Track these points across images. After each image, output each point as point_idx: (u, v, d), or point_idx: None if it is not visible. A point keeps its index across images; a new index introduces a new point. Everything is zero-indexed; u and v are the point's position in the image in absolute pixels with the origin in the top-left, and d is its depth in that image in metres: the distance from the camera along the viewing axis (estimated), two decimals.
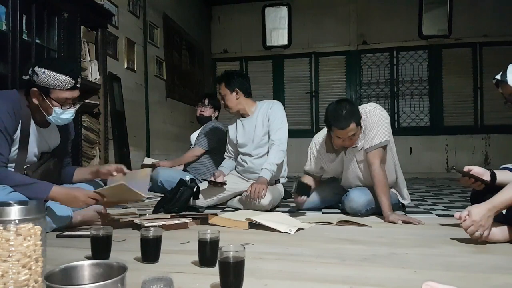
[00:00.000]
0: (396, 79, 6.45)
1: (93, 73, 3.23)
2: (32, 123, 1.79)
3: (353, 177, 2.41)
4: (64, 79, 1.68)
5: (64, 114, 1.76)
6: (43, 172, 1.81)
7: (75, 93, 1.76)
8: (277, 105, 2.78)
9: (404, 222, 2.01)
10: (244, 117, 2.83)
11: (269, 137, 2.71)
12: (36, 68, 1.66)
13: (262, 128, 2.75)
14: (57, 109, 1.73)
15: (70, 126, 2.00)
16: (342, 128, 2.15)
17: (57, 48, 2.70)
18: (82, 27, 3.03)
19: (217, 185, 2.66)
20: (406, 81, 6.42)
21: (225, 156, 3.01)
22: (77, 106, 1.81)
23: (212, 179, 2.68)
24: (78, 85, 1.76)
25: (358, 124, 2.22)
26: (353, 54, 6.54)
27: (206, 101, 3.53)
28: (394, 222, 2.02)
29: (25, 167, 1.78)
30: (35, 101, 1.71)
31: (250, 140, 2.78)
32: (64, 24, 2.74)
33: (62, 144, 1.98)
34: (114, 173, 1.89)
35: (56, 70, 1.66)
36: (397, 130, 6.10)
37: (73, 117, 1.82)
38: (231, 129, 2.93)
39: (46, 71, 1.65)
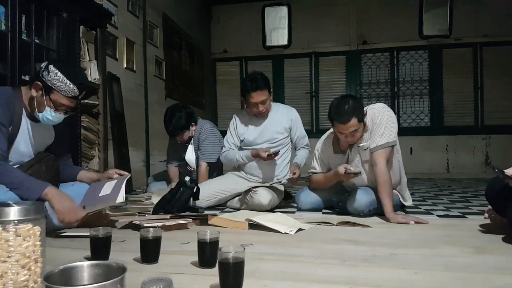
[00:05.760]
0: (396, 79, 6.44)
1: (93, 73, 3.22)
2: (27, 119, 1.80)
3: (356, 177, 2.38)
4: (70, 88, 1.73)
5: (52, 117, 1.77)
6: (33, 174, 1.77)
7: (73, 103, 1.79)
8: (296, 112, 2.93)
9: (415, 222, 1.99)
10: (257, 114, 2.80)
11: (291, 140, 2.88)
12: (51, 67, 1.70)
13: (278, 127, 2.80)
14: (49, 110, 1.75)
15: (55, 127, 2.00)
16: (343, 122, 2.15)
17: (56, 48, 2.69)
18: (81, 27, 3.02)
19: (271, 157, 2.64)
20: (407, 81, 6.42)
21: (227, 148, 2.89)
22: (68, 114, 1.83)
23: (264, 155, 2.63)
24: (80, 97, 1.80)
25: (361, 121, 2.19)
26: (353, 54, 6.54)
27: (193, 125, 3.07)
28: (402, 223, 1.99)
29: (15, 166, 1.76)
30: (34, 93, 1.73)
31: (263, 136, 2.80)
32: (63, 24, 2.74)
33: (55, 143, 1.98)
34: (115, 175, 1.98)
35: (68, 77, 1.71)
36: (398, 130, 6.07)
37: (59, 122, 1.84)
38: (239, 123, 2.89)
39: (59, 73, 1.70)
